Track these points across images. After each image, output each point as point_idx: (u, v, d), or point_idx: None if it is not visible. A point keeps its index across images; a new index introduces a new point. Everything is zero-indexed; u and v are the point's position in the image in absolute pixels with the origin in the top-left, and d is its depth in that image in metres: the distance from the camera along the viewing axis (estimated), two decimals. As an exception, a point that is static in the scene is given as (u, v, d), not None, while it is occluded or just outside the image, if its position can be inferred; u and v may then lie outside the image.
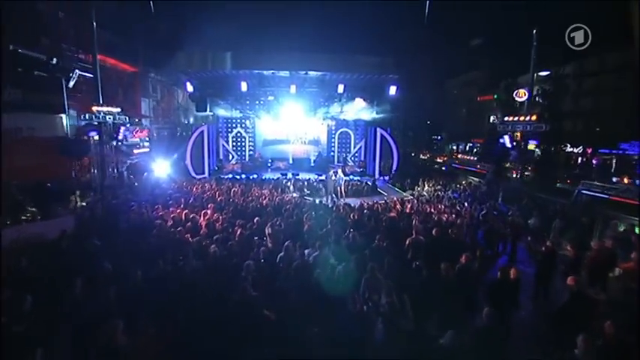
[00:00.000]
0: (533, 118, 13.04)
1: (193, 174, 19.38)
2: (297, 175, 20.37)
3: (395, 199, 13.45)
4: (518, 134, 14.24)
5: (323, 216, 9.75)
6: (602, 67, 26.08)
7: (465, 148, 36.31)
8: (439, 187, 16.43)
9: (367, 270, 5.23)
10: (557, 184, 17.14)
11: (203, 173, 19.89)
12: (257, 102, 21.88)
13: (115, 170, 16.17)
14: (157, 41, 21.71)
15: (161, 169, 18.73)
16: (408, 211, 11.86)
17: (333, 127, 24.66)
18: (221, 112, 22.52)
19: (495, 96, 31.34)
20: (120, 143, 15.63)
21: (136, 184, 15.30)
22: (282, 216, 9.67)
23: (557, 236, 8.99)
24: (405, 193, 16.88)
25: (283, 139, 24.69)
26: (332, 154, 24.82)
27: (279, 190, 15.09)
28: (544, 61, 14.65)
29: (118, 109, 14.36)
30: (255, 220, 8.41)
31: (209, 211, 9.63)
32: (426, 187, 17.09)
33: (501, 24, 25.42)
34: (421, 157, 26.84)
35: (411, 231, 7.84)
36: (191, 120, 24.66)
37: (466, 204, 12.20)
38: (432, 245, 7.12)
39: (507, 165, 15.36)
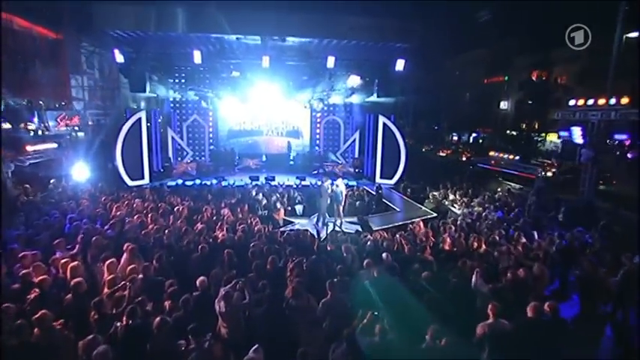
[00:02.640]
0: (624, 101, 9.44)
1: (127, 180, 14.71)
2: (272, 178, 16.17)
3: (420, 224, 9.55)
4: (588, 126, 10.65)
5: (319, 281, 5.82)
6: None
7: (469, 139, 33.28)
8: (468, 197, 12.72)
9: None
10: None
11: (141, 178, 15.28)
12: (218, 79, 17.41)
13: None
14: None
15: (81, 172, 13.94)
16: (448, 248, 8.04)
17: (319, 115, 20.75)
18: (170, 93, 17.86)
19: (506, 77, 28.33)
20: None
21: (26, 198, 10.50)
22: (248, 276, 5.79)
23: None
24: (424, 208, 13.06)
25: (254, 129, 20.64)
26: (317, 149, 20.91)
27: (246, 208, 10.88)
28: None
29: None
30: (198, 286, 5.29)
31: (122, 263, 6.19)
32: (451, 197, 13.39)
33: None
34: (440, 153, 23.13)
35: (480, 306, 5.03)
36: (142, 104, 19.79)
37: (535, 235, 8.48)
38: (525, 334, 4.30)
39: (572, 167, 11.83)
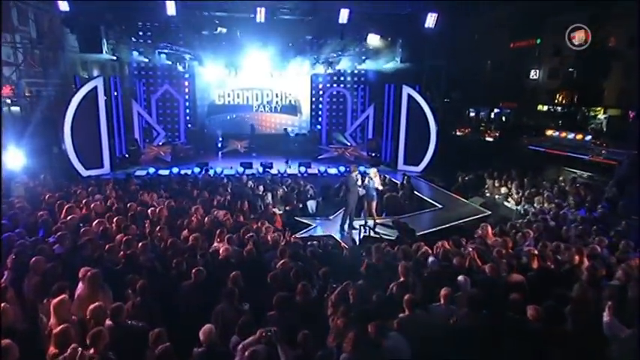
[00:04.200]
0: None
1: (80, 169, 12.71)
2: (270, 166, 14.40)
3: (488, 228, 7.95)
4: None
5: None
6: None
7: (489, 115, 31.96)
8: (528, 190, 11.26)
9: None
10: None
11: (100, 166, 13.34)
12: (198, 38, 15.40)
13: None
14: None
15: (15, 159, 11.73)
16: (536, 264, 6.39)
17: (321, 85, 19.08)
18: (134, 56, 15.72)
19: (538, 40, 26.88)
20: None
21: None
22: (270, 314, 4.43)
23: None
24: (472, 204, 11.57)
25: (241, 104, 19.04)
26: (317, 127, 19.29)
27: (245, 207, 9.12)
28: None
29: None
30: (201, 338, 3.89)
31: (78, 299, 4.69)
32: (503, 189, 11.94)
33: None
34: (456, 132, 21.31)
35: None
36: (95, 71, 17.55)
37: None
38: None
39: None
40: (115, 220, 7.30)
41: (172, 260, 5.70)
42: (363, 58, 16.57)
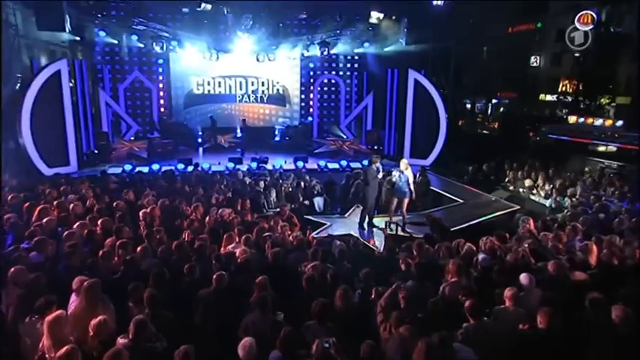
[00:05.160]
0: None
1: (42, 167, 11.80)
2: (266, 160, 13.94)
3: (530, 222, 7.68)
4: None
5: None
6: None
7: (487, 107, 32.33)
8: (556, 181, 11.17)
9: None
10: None
11: (65, 164, 12.43)
12: (172, 17, 14.79)
13: None
14: None
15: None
16: (594, 261, 6.13)
17: (312, 73, 18.89)
18: (101, 36, 14.93)
19: (539, 24, 27.35)
20: None
21: None
22: (308, 324, 4.19)
23: None
24: (497, 197, 11.42)
25: (223, 93, 18.56)
26: (309, 119, 18.92)
27: (248, 205, 8.58)
28: None
29: None
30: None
31: (74, 315, 4.25)
32: (527, 182, 11.80)
33: None
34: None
35: None
36: (56, 53, 16.59)
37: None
38: None
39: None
40: (100, 222, 6.70)
41: (179, 265, 5.25)
42: (363, 40, 16.25)
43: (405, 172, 8.91)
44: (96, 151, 13.95)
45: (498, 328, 4.34)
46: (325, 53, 16.01)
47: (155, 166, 12.60)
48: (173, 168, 12.36)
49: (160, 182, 9.97)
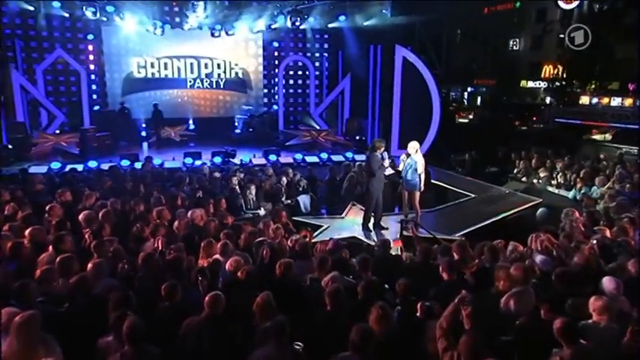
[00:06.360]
0: None
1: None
2: (234, 153, 13.22)
3: (576, 213, 7.28)
4: None
5: None
6: None
7: (462, 95, 32.72)
8: (576, 170, 11.05)
9: None
10: None
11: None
12: None
13: None
14: None
15: None
16: None
17: (277, 53, 18.41)
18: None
19: (517, 4, 27.93)
20: None
21: None
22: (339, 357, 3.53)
23: None
24: (510, 190, 11.08)
25: (170, 77, 17.65)
26: (274, 107, 18.45)
27: (223, 206, 7.68)
28: None
29: None
30: None
31: None
32: (542, 173, 11.63)
33: None
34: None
35: None
36: None
37: None
38: None
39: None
40: (28, 232, 5.48)
41: (150, 285, 4.48)
42: (338, 12, 15.60)
43: (413, 157, 8.21)
44: (10, 147, 12.61)
45: (600, 354, 3.78)
46: (297, 24, 15.21)
47: (92, 163, 11.39)
48: (117, 165, 11.12)
49: (105, 181, 8.71)
